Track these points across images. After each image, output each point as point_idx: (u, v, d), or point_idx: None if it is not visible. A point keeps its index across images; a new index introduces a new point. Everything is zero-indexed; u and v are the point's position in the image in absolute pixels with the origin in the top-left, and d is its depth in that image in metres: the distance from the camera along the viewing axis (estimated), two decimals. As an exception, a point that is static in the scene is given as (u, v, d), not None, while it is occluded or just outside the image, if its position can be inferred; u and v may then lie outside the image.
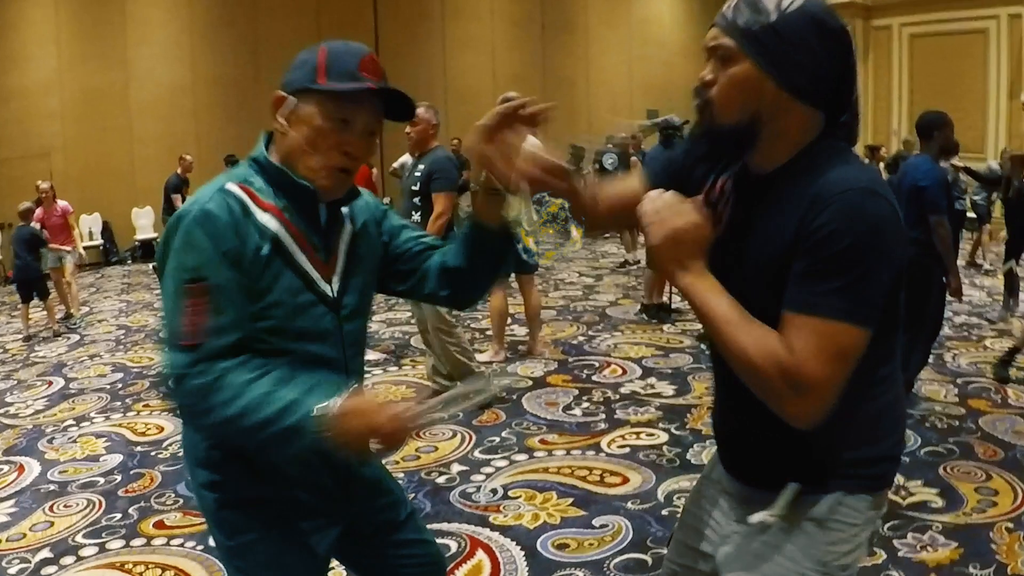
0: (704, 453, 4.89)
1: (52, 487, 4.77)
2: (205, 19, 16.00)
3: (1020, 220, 9.28)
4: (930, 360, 6.20)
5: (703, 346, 7.44)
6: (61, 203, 10.09)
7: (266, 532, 1.88)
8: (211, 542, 3.93)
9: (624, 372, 6.76)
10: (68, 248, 9.99)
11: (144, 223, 15.58)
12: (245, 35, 16.36)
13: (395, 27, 18.02)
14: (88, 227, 14.97)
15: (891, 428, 1.72)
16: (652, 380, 6.49)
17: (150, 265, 13.28)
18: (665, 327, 8.32)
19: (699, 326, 8.11)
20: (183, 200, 12.48)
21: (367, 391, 1.58)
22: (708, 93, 1.60)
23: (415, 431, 1.67)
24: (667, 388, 6.24)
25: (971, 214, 12.14)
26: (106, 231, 15.33)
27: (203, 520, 4.07)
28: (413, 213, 5.81)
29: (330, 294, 1.87)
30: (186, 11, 15.83)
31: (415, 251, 2.07)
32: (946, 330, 7.74)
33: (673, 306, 8.94)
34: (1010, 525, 3.96)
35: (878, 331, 1.51)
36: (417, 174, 5.84)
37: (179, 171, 12.68)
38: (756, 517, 1.67)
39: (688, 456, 4.90)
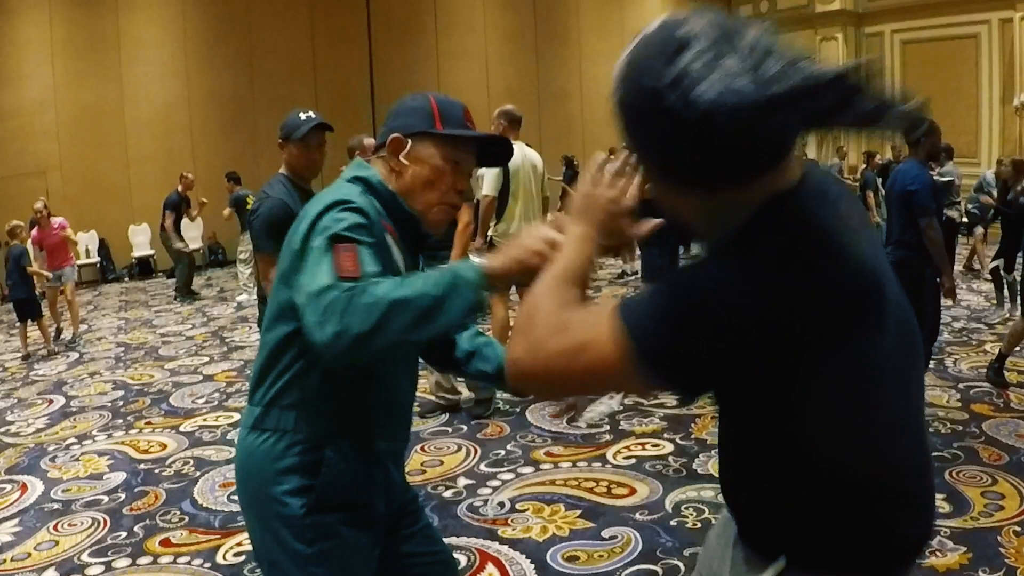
0: (710, 463, 4.89)
1: (56, 506, 4.75)
2: (199, 35, 16.03)
3: (1016, 226, 9.35)
4: (931, 365, 6.21)
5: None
6: (57, 220, 10.01)
7: (344, 540, 1.94)
8: (220, 559, 3.95)
9: (626, 382, 6.73)
10: (69, 265, 9.92)
11: (141, 240, 15.56)
12: (239, 51, 16.39)
13: (388, 41, 18.07)
14: (85, 245, 14.95)
15: (894, 524, 1.38)
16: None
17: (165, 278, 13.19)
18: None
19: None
20: (176, 220, 12.51)
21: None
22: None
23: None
24: (670, 398, 6.24)
25: (965, 219, 12.22)
26: (103, 249, 15.31)
27: (210, 538, 4.11)
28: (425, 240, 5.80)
29: None
30: (180, 28, 15.86)
31: None
32: (946, 335, 7.77)
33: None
34: (1018, 528, 3.95)
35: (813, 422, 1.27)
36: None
37: (179, 188, 12.68)
38: None
39: (694, 466, 4.90)
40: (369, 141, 6.26)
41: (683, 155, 1.20)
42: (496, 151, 2.12)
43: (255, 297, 8.32)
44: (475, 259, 1.69)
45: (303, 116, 4.14)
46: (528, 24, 20.81)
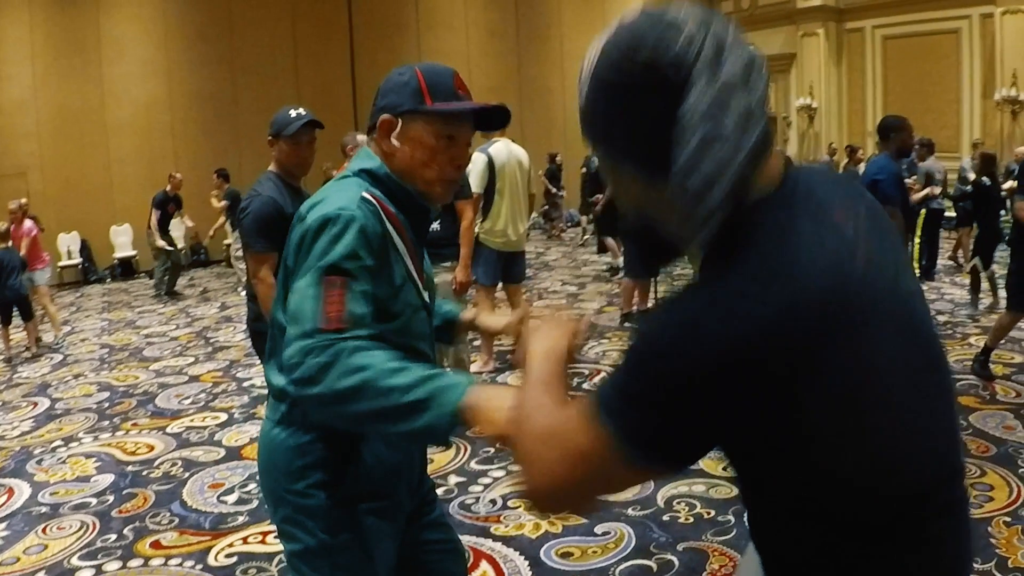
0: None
1: (44, 509, 4.71)
2: (180, 34, 15.95)
3: (988, 218, 9.45)
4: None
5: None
6: (27, 224, 9.87)
7: (367, 529, 1.96)
8: (212, 560, 3.93)
9: (614, 378, 6.74)
10: (40, 268, 9.79)
11: (123, 241, 15.47)
12: (220, 49, 16.32)
13: (370, 39, 18.03)
14: (66, 246, 14.87)
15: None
16: (643, 386, 6.48)
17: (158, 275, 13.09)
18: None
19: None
20: (162, 219, 12.47)
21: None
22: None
23: None
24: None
25: (950, 213, 12.30)
26: (84, 250, 15.21)
27: (201, 539, 4.08)
28: (433, 222, 5.78)
29: (427, 300, 2.04)
30: (161, 27, 15.77)
31: None
32: (931, 329, 7.79)
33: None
34: (1008, 519, 3.98)
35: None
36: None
37: (168, 188, 12.62)
38: None
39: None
40: (362, 137, 6.22)
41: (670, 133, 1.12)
42: (493, 114, 2.03)
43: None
44: (469, 394, 1.52)
45: (293, 113, 4.11)
46: (510, 22, 20.83)
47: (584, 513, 1.12)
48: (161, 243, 12.57)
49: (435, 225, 5.71)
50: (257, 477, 4.50)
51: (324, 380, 1.57)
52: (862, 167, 12.91)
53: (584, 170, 17.25)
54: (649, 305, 8.91)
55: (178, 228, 13.63)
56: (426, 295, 2.03)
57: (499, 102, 2.03)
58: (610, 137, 1.22)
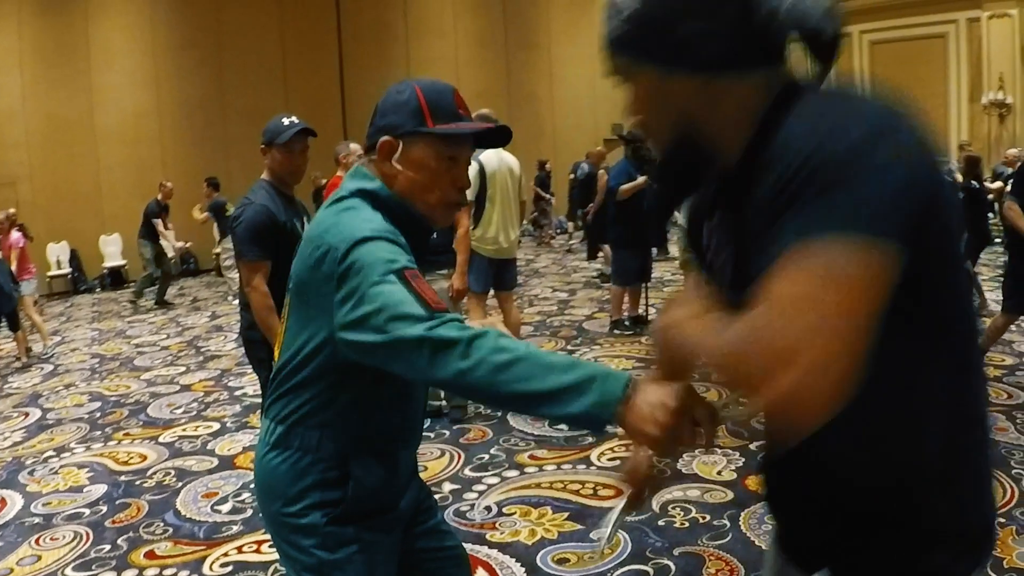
0: (694, 462, 4.90)
1: (37, 520, 4.68)
2: (168, 43, 15.93)
3: (976, 221, 9.49)
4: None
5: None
6: (14, 235, 9.84)
7: (367, 543, 1.94)
8: (207, 570, 3.92)
9: (607, 384, 6.75)
10: (26, 279, 9.74)
11: (112, 250, 15.43)
12: (209, 58, 16.32)
13: (359, 47, 18.05)
14: (56, 256, 14.82)
15: (975, 492, 1.32)
16: (636, 391, 6.49)
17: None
18: (643, 339, 8.34)
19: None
20: (152, 228, 12.44)
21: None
22: (641, 127, 1.39)
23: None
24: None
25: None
26: (74, 259, 15.16)
27: (195, 549, 4.07)
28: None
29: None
30: (149, 35, 15.76)
31: None
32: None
33: (649, 318, 9.00)
34: (1002, 520, 3.99)
35: (928, 319, 1.16)
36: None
37: (159, 197, 12.59)
38: None
39: (679, 466, 4.91)
40: (355, 146, 6.23)
41: (729, 19, 1.19)
42: (493, 135, 2.00)
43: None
44: (634, 387, 1.42)
45: (286, 121, 4.10)
46: (498, 29, 20.88)
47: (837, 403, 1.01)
48: (180, 244, 12.74)
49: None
50: (251, 486, 4.50)
51: (473, 353, 1.50)
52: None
53: (572, 176, 17.33)
54: (640, 311, 8.93)
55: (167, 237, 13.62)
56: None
57: (488, 109, 2.02)
58: (676, 39, 1.22)
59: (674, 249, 13.38)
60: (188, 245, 14.00)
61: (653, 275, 9.59)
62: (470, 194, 6.34)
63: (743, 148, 1.24)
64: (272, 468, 1.95)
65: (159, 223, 12.37)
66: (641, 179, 8.52)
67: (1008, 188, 7.36)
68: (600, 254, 12.99)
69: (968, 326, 1.25)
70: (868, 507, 1.28)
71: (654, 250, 10.49)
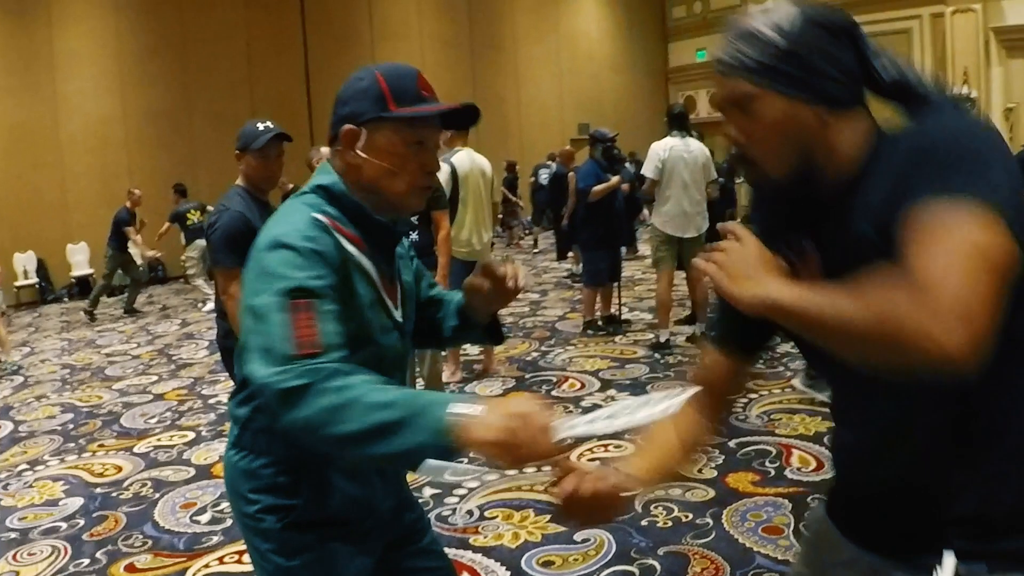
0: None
1: (13, 535, 4.62)
2: (133, 49, 15.79)
3: None
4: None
5: (657, 355, 7.52)
6: None
7: (327, 552, 1.90)
8: (191, 582, 3.88)
9: (583, 386, 6.78)
10: None
11: (79, 259, 15.27)
12: (174, 64, 16.20)
13: (325, 50, 17.97)
14: (22, 265, 14.65)
15: None
16: (612, 392, 6.52)
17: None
18: (617, 339, 8.37)
19: (650, 336, 8.21)
20: (121, 236, 12.33)
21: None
22: (747, 152, 1.46)
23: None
24: (627, 399, 6.26)
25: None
26: (41, 269, 14.99)
27: (176, 560, 4.03)
28: (411, 232, 5.76)
29: (399, 319, 1.93)
30: (114, 42, 15.61)
31: (430, 298, 2.18)
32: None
33: (623, 317, 9.05)
34: None
35: None
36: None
37: (128, 204, 12.46)
38: None
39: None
40: (326, 150, 6.18)
41: (855, 61, 1.41)
42: (461, 113, 1.89)
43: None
44: (462, 409, 1.43)
45: (261, 126, 4.07)
46: (464, 31, 20.89)
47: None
48: (151, 253, 12.73)
49: (412, 235, 5.72)
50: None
51: (303, 404, 1.46)
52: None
53: (533, 179, 17.48)
54: (613, 311, 8.96)
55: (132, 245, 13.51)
56: (398, 314, 1.93)
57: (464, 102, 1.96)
58: (815, 73, 1.38)
59: (644, 248, 13.42)
60: (160, 255, 13.91)
61: (624, 274, 9.63)
62: (442, 198, 6.33)
63: (855, 167, 1.40)
64: (231, 467, 1.96)
65: (131, 230, 12.25)
66: (614, 179, 8.56)
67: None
68: (570, 254, 13.03)
69: None
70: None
71: (623, 249, 10.52)
